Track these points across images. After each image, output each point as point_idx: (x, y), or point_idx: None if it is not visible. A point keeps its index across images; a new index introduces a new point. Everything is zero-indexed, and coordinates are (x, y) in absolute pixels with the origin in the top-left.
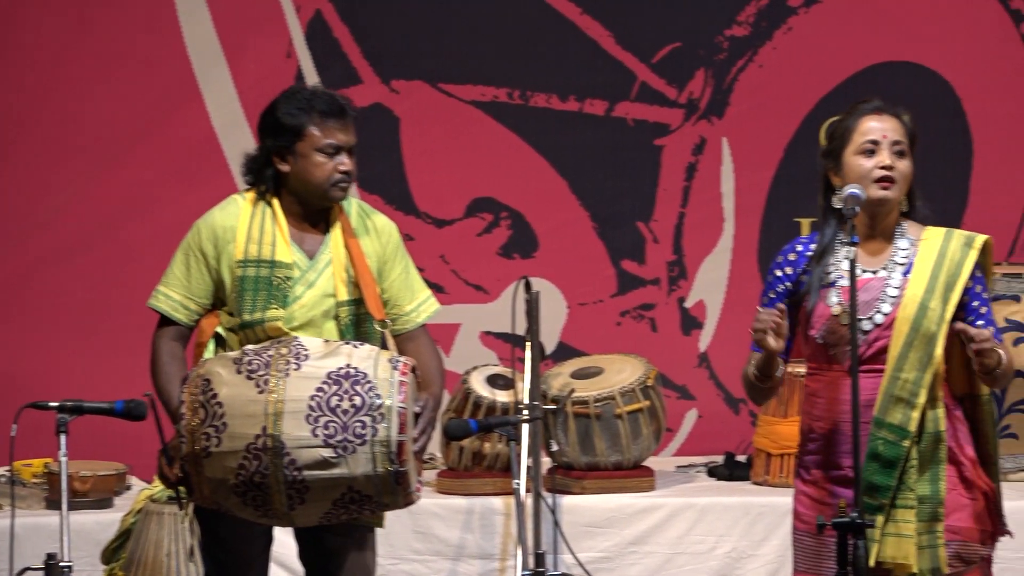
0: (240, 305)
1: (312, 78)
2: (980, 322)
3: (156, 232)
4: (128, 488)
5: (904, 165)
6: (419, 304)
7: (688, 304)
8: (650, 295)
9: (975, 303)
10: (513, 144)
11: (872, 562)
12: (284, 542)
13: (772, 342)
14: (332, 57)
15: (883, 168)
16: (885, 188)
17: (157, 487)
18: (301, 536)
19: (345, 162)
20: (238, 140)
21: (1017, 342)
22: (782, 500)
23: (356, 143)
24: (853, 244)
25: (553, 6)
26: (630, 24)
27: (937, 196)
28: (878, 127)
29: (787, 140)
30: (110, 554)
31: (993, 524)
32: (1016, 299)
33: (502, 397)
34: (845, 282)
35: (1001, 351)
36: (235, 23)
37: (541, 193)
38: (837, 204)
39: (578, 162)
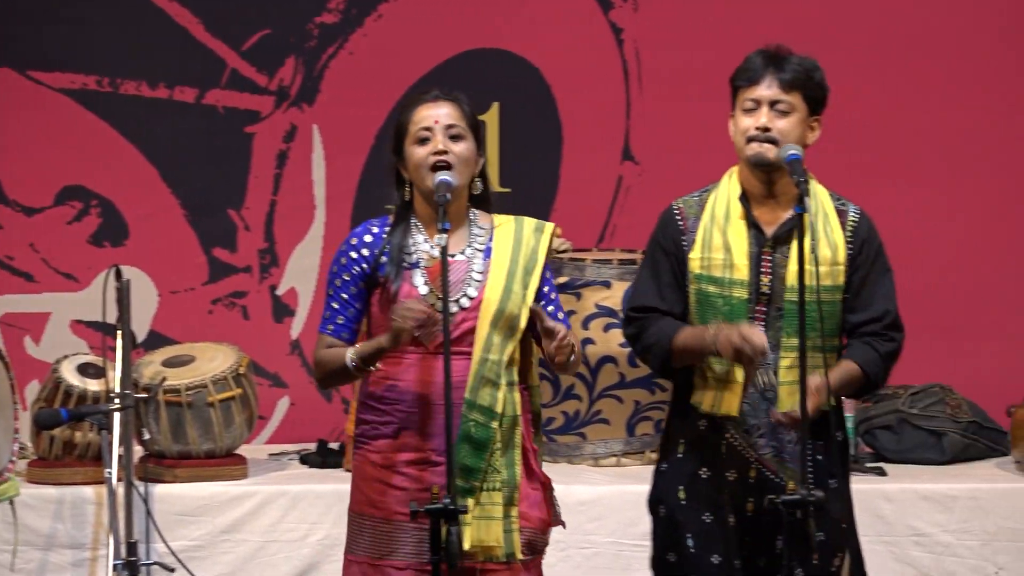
0: None
1: None
2: (550, 307)
3: None
4: None
5: (461, 148)
6: None
7: (280, 292)
8: (242, 283)
9: (545, 288)
10: (103, 132)
11: (467, 545)
12: None
13: (430, 335)
14: None
15: (436, 154)
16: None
17: None
18: None
19: None
20: None
21: (608, 328)
22: None
23: None
24: (444, 231)
25: None
26: (219, 11)
27: (528, 183)
28: (431, 114)
29: (378, 127)
30: None
31: (549, 514)
32: (607, 285)
33: (93, 386)
34: (428, 263)
35: (575, 342)
36: None
37: (131, 181)
38: (408, 197)
39: (168, 150)
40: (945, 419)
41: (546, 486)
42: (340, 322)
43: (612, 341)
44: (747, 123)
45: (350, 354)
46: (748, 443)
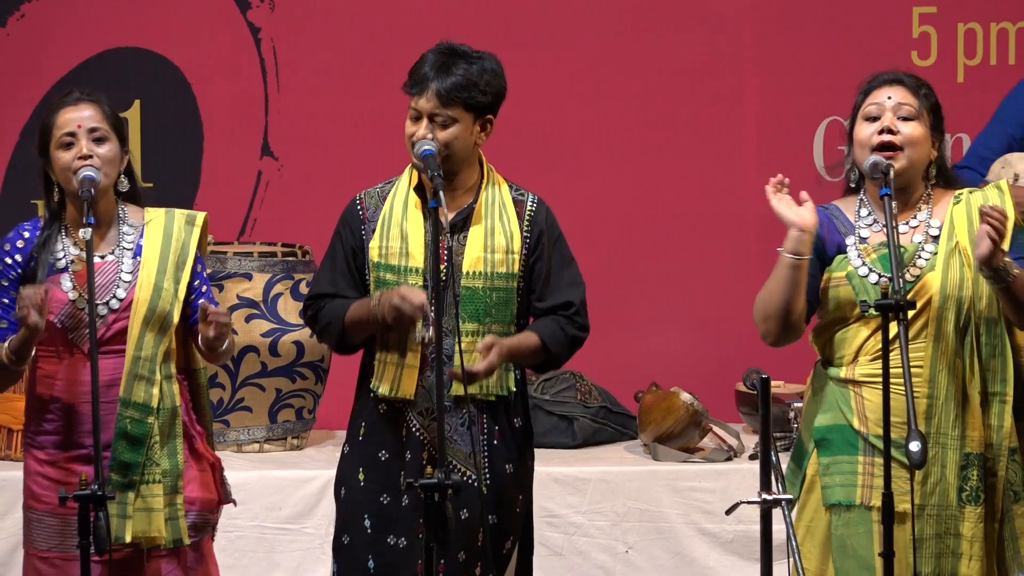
0: None
1: None
2: (202, 300)
3: None
4: None
5: (105, 150)
6: None
7: None
8: None
9: (196, 282)
10: None
11: (128, 538)
12: None
13: (36, 318)
14: None
15: (81, 158)
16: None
17: None
18: None
19: None
20: None
21: (249, 318)
22: None
23: None
24: (89, 225)
25: None
26: None
27: (171, 178)
28: (73, 117)
29: (21, 126)
30: None
31: (219, 493)
32: (248, 277)
33: None
34: (76, 267)
35: (228, 320)
36: None
37: None
38: (57, 198)
39: None
40: (576, 404)
41: (215, 467)
42: (3, 326)
43: (254, 331)
44: (411, 130)
45: (4, 349)
46: (422, 426)
